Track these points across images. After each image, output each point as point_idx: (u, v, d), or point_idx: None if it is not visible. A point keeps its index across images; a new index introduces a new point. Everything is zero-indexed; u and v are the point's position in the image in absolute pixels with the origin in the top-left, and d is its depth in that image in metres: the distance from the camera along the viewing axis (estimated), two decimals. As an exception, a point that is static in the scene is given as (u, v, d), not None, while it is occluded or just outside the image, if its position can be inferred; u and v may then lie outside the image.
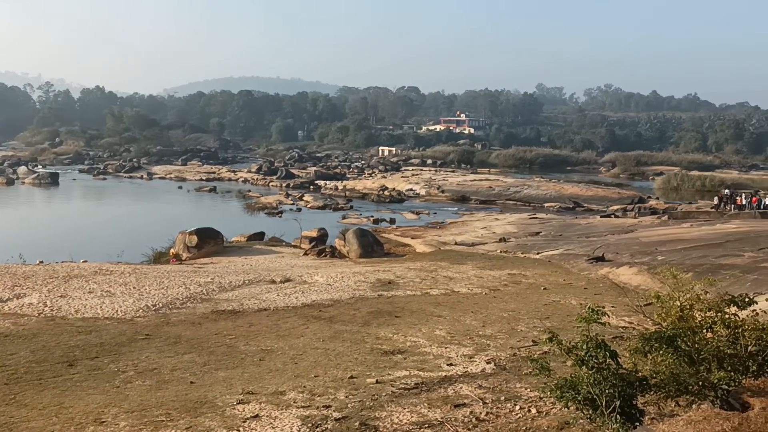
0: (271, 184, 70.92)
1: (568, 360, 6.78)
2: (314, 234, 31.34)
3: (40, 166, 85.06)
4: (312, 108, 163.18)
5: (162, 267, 23.24)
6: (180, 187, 68.27)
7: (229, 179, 77.04)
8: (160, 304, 15.54)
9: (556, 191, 59.20)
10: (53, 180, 68.52)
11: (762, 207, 41.56)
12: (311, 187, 67.61)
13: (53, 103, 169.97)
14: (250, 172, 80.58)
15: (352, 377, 9.79)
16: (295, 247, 30.14)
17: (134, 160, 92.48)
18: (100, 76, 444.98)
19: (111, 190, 68.30)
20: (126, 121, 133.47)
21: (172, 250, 27.46)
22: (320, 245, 28.98)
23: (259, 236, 32.65)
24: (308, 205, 53.09)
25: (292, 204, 53.76)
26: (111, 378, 9.81)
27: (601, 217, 43.98)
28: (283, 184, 68.54)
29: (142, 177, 78.30)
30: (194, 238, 27.10)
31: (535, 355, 8.64)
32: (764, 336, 7.05)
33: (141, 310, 14.91)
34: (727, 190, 50.71)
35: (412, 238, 32.69)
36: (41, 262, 23.12)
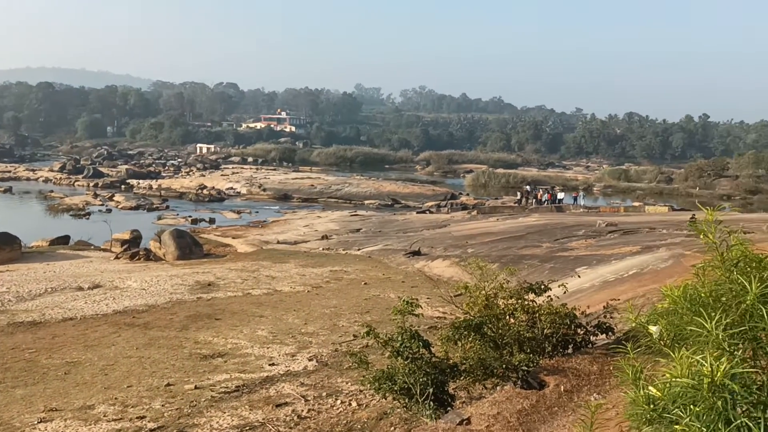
0: (77, 183, 65.90)
1: (385, 352, 7.03)
2: (127, 236, 29.62)
3: None
4: (122, 103, 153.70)
5: (-53, 278, 20.74)
6: (-32, 188, 61.19)
7: (28, 179, 70.40)
8: (-55, 320, 13.89)
9: (375, 189, 60.92)
10: None
11: (557, 202, 45.84)
12: (123, 186, 63.77)
13: None
14: (52, 171, 74.27)
15: (168, 385, 9.41)
16: (105, 250, 28.30)
17: None
18: None
19: None
20: None
21: (-41, 259, 24.59)
22: (133, 248, 27.46)
23: (63, 240, 30.23)
24: (120, 206, 50.02)
25: (102, 205, 50.35)
26: None
27: (417, 213, 45.97)
28: (91, 184, 63.98)
29: None
30: (-14, 245, 24.47)
31: (355, 350, 8.86)
32: (557, 319, 7.77)
33: None
34: (528, 186, 55.32)
35: (233, 238, 32.04)
36: None
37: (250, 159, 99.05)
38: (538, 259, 20.93)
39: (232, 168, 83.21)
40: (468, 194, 63.47)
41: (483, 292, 8.02)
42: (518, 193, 52.55)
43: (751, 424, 2.00)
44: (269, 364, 10.63)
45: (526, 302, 8.00)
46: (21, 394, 9.06)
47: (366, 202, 55.38)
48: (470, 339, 7.31)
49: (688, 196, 63.67)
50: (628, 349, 2.49)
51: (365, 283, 18.99)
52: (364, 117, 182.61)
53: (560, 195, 48.39)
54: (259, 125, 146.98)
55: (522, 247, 23.85)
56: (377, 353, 8.71)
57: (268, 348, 11.71)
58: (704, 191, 66.89)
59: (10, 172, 74.16)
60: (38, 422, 7.83)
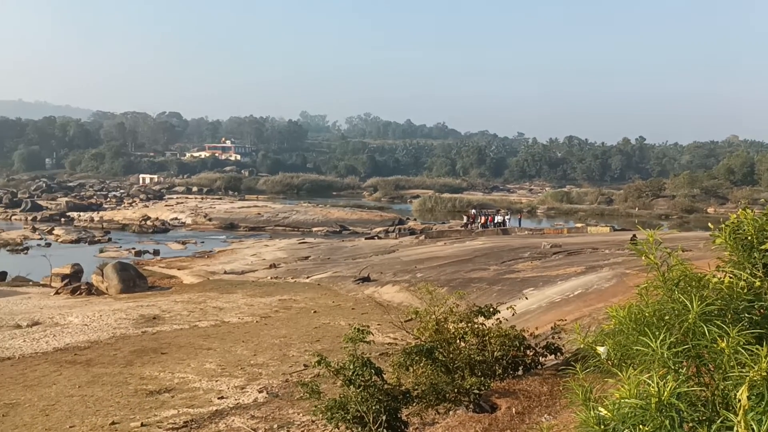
0: (14, 217, 63.68)
1: (337, 381, 6.97)
2: (67, 270, 28.68)
3: None
4: (61, 134, 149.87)
5: None
6: None
7: (-39, 213, 67.70)
8: None
9: (323, 216, 60.78)
10: None
11: (498, 225, 46.60)
12: (63, 219, 61.92)
13: None
14: (-13, 204, 71.58)
15: (113, 423, 9.11)
16: (44, 286, 27.35)
17: None
18: None
19: None
20: None
21: None
22: (74, 282, 26.61)
23: (0, 277, 29.12)
24: (59, 240, 48.50)
25: (41, 239, 48.75)
26: None
27: (366, 239, 46.01)
28: (29, 217, 61.96)
29: None
30: None
31: (306, 380, 8.75)
32: (507, 341, 7.87)
33: None
34: (474, 210, 56.07)
35: (179, 269, 31.42)
36: None
37: (194, 188, 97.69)
38: (486, 282, 21.17)
39: (177, 198, 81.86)
40: (415, 219, 63.90)
41: (433, 316, 8.07)
42: (465, 217, 53.19)
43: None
44: (218, 398, 10.40)
45: (476, 325, 8.08)
46: (-46, 441, 8.63)
47: (314, 229, 55.16)
48: (422, 364, 7.33)
49: (628, 216, 65.59)
50: (578, 369, 2.54)
51: (315, 312, 18.83)
52: (310, 144, 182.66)
53: (498, 218, 49.13)
54: (203, 154, 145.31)
55: (470, 270, 24.10)
56: (329, 382, 8.62)
57: (216, 381, 11.47)
58: (643, 211, 69.09)
59: (-59, 206, 71.11)
60: (-26, 469, 7.46)
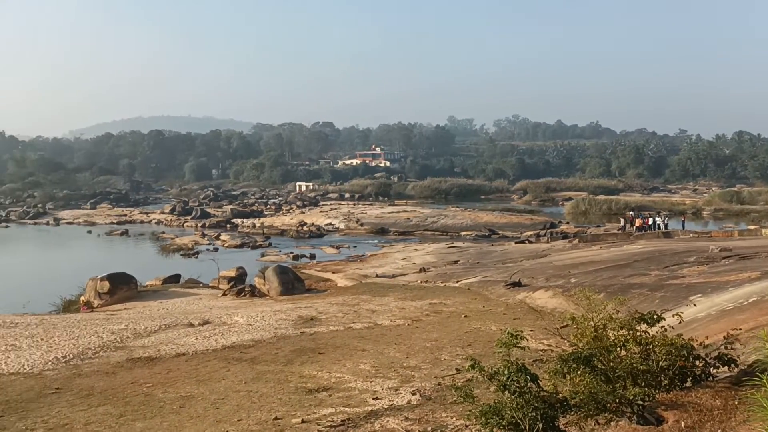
0: (186, 224, 69.19)
1: (491, 386, 6.89)
2: (233, 273, 30.67)
3: (-66, 216, 79.83)
4: (226, 146, 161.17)
5: (72, 316, 22.16)
6: (89, 232, 65.52)
7: (142, 221, 74.63)
8: (71, 355, 14.78)
9: (471, 220, 60.51)
10: (-51, 229, 64.39)
11: (654, 228, 43.85)
12: (228, 225, 66.37)
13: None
14: (163, 213, 78.42)
15: (276, 418, 9.59)
16: (213, 288, 29.43)
17: (39, 205, 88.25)
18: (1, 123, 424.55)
19: (14, 238, 64.80)
20: (29, 165, 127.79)
21: (82, 298, 26.23)
22: (239, 285, 28.40)
23: (175, 279, 31.69)
24: (225, 245, 52.04)
25: (209, 244, 52.56)
26: (18, 438, 9.22)
27: (516, 243, 45.18)
28: (199, 224, 66.99)
29: (48, 223, 74.71)
30: (106, 284, 26.00)
31: (459, 383, 8.72)
32: (673, 351, 7.38)
33: (50, 363, 14.13)
34: (631, 212, 53.30)
35: (333, 273, 32.55)
36: (-63, 318, 21.58)
37: (347, 195, 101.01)
38: (647, 288, 20.02)
39: (330, 204, 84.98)
40: (568, 222, 61.90)
41: (591, 323, 7.74)
42: (621, 220, 50.75)
43: None
44: (373, 398, 10.64)
45: (638, 333, 7.65)
46: (140, 427, 9.48)
47: (463, 233, 55.03)
48: (579, 372, 7.05)
49: (810, 217, 59.41)
50: (764, 381, 2.32)
51: (465, 316, 18.76)
52: (458, 149, 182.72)
53: (657, 220, 46.19)
54: (354, 162, 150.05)
55: (629, 276, 22.91)
56: (482, 387, 8.53)
57: (371, 382, 11.74)
58: (828, 211, 62.26)
59: (126, 215, 78.87)
60: (156, 454, 8.15)
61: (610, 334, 7.61)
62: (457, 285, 26.14)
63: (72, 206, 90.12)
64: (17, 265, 46.71)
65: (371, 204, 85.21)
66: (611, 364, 7.23)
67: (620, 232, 45.00)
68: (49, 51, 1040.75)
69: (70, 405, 10.80)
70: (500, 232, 54.65)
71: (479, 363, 6.92)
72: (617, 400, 6.85)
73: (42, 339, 16.54)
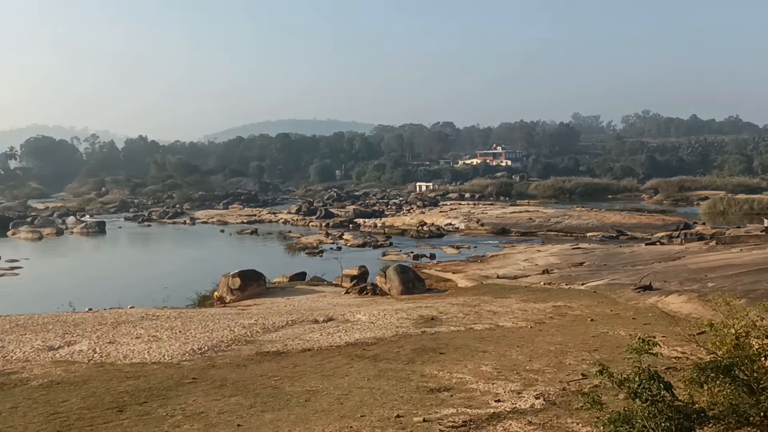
0: (310, 224, 71.45)
1: (620, 393, 6.61)
2: (355, 272, 31.32)
3: (88, 216, 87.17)
4: (349, 147, 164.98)
5: (206, 310, 23.46)
6: (222, 231, 69.27)
7: (270, 221, 77.87)
8: (206, 348, 15.65)
9: (597, 220, 58.34)
10: (100, 228, 70.13)
11: None
12: (350, 225, 67.84)
13: (99, 154, 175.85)
14: (290, 213, 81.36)
15: (398, 416, 9.67)
16: (336, 285, 30.17)
17: (177, 206, 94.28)
18: (143, 127, 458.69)
19: (155, 236, 69.66)
20: (168, 168, 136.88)
21: (215, 293, 27.74)
22: (361, 283, 28.95)
23: (300, 276, 32.79)
24: (348, 244, 53.24)
25: (332, 243, 53.97)
26: (160, 423, 9.87)
27: (646, 244, 43.10)
28: (323, 224, 68.95)
29: (185, 222, 79.71)
30: (237, 281, 27.35)
31: (586, 389, 8.43)
32: (827, 362, 6.76)
33: (187, 354, 15.03)
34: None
35: (454, 273, 32.45)
36: (90, 309, 23.58)
37: (467, 195, 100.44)
38: (795, 294, 18.45)
39: (450, 204, 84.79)
40: (704, 223, 58.23)
41: (731, 330, 7.24)
42: (765, 221, 47.13)
43: None
44: (495, 401, 10.50)
45: (786, 342, 7.07)
46: (269, 419, 9.88)
47: (588, 234, 53.14)
48: (719, 382, 6.62)
49: None
50: None
51: (591, 320, 18.11)
52: (583, 147, 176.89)
53: None
54: (475, 161, 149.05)
55: (774, 281, 21.23)
56: (609, 394, 8.20)
57: (492, 384, 11.59)
58: None
59: (255, 215, 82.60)
60: (284, 445, 8.46)
61: (754, 343, 7.09)
62: (582, 288, 25.29)
63: (206, 206, 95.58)
64: (158, 262, 50.17)
65: (492, 204, 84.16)
66: (755, 374, 6.73)
67: (763, 233, 41.78)
68: (176, 63, 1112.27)
69: (205, 394, 11.44)
70: (629, 233, 52.30)
71: (607, 368, 6.66)
72: (762, 414, 6.36)
73: (180, 331, 17.62)
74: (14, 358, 14.79)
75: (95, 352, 15.25)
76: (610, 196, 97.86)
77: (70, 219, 78.38)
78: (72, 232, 69.68)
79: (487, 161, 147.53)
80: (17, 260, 46.67)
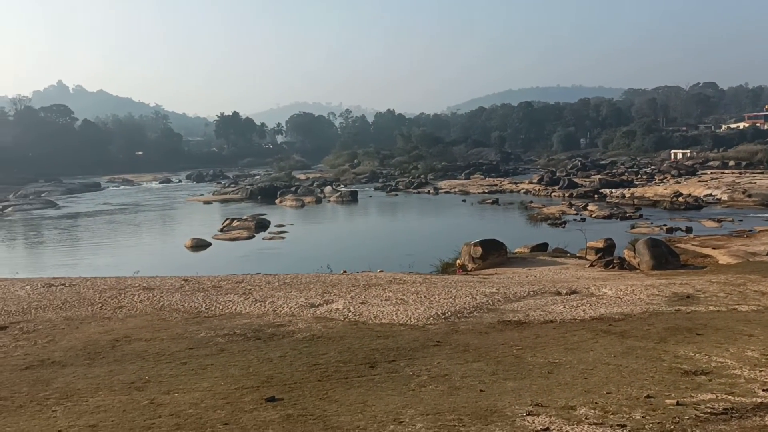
0: (553, 194, 69.90)
1: None
2: (600, 245, 30.00)
3: (342, 186, 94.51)
4: (594, 114, 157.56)
5: (449, 277, 24.13)
6: (464, 200, 70.67)
7: (511, 191, 77.64)
8: (449, 313, 16.13)
9: None
10: (353, 198, 75.84)
11: None
12: (595, 196, 65.14)
13: (352, 128, 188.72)
14: (531, 183, 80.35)
15: (648, 397, 9.13)
16: (580, 258, 29.21)
17: (422, 176, 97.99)
18: (391, 101, 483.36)
19: (401, 205, 73.23)
20: (414, 140, 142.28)
21: (458, 261, 28.43)
22: (607, 256, 27.67)
23: (542, 247, 32.28)
24: (593, 215, 51.20)
25: (576, 214, 52.30)
26: (407, 381, 10.41)
27: None
28: (566, 194, 67.07)
29: (429, 192, 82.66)
30: (479, 250, 27.72)
31: None
32: None
33: (431, 318, 15.62)
34: None
35: (713, 249, 29.64)
36: (345, 271, 25.56)
37: (731, 162, 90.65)
38: None
39: (711, 173, 77.32)
40: None
41: None
42: None
43: None
44: (763, 390, 9.43)
45: None
46: (511, 387, 9.92)
47: None
48: None
49: None
50: None
51: None
52: None
53: None
54: (742, 125, 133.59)
55: None
56: None
57: (760, 371, 10.41)
58: None
59: (496, 185, 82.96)
60: (526, 414, 8.44)
61: None
62: None
63: (449, 177, 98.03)
64: (404, 230, 52.73)
65: (762, 173, 75.01)
66: None
67: None
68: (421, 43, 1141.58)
69: (448, 358, 11.81)
70: None
71: None
72: None
73: (425, 296, 18.36)
74: (282, 312, 16.57)
75: (349, 311, 16.50)
76: None
77: (327, 188, 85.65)
78: (329, 201, 76.16)
79: (757, 125, 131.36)
80: (284, 225, 52.49)
